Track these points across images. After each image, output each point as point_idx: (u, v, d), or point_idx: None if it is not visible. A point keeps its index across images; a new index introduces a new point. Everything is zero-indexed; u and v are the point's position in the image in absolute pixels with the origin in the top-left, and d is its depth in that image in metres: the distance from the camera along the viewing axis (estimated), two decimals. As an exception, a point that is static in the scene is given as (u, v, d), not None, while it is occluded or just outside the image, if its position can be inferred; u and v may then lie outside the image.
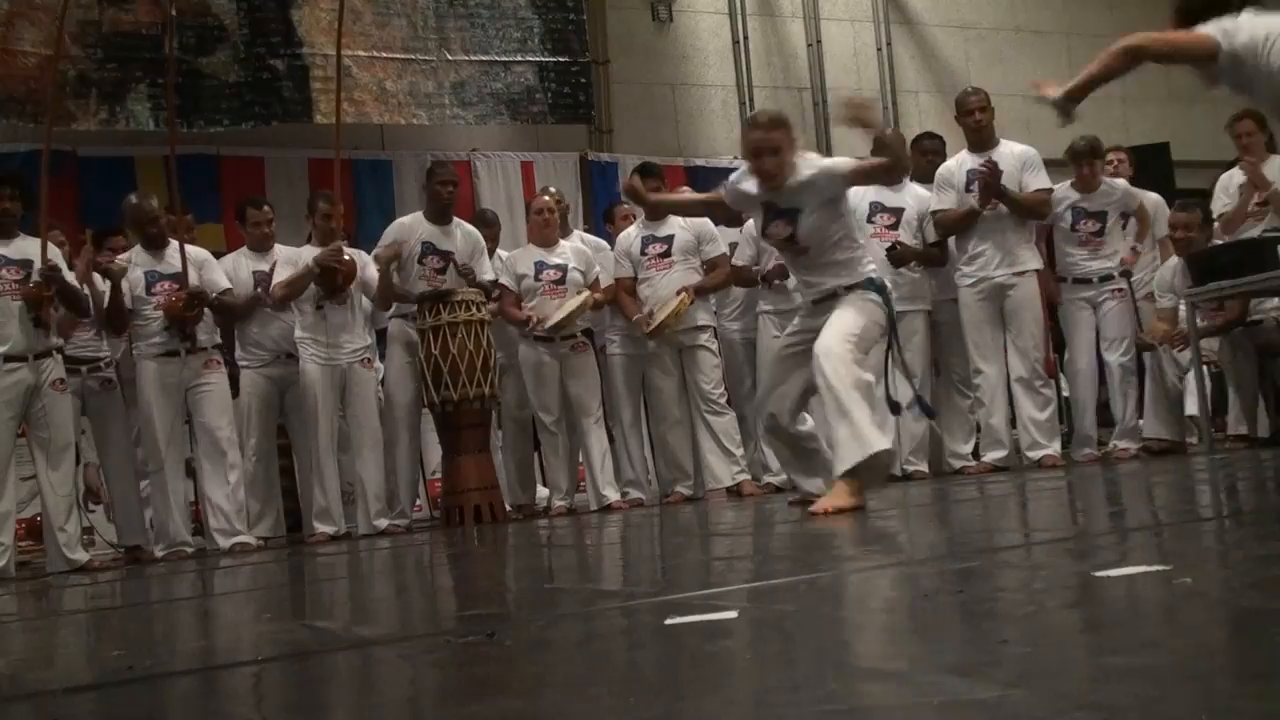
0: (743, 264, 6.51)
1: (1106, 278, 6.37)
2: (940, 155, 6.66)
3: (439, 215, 6.30)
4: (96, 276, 5.89)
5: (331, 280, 5.98)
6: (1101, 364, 6.42)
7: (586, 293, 6.39)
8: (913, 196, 6.38)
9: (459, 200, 6.79)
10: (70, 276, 5.60)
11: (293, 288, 6.05)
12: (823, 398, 3.86)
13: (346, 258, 6.05)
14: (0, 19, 7.43)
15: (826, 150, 10.24)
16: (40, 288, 5.37)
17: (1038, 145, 6.37)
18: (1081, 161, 6.33)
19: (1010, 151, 6.17)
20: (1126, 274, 6.49)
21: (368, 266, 6.25)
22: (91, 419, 5.96)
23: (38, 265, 5.41)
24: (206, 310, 5.96)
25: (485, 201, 8.56)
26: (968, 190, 6.14)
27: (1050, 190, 6.17)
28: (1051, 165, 6.41)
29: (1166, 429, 6.29)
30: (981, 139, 6.23)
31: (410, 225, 6.34)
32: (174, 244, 5.96)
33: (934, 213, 6.24)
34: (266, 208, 6.48)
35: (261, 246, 6.31)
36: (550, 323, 6.27)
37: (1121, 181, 6.61)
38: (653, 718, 1.17)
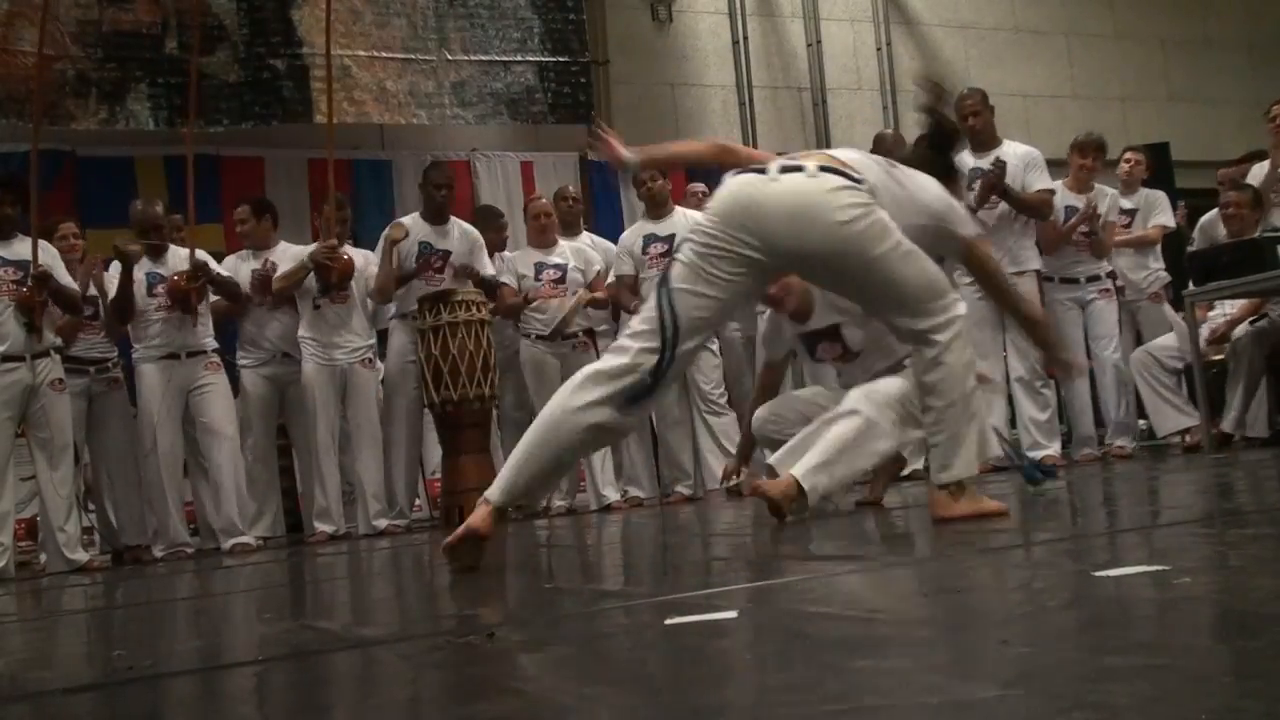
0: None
1: (1093, 278, 6.39)
2: (942, 156, 6.66)
3: (435, 216, 6.31)
4: (106, 275, 5.92)
5: (326, 277, 6.00)
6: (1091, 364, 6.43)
7: (582, 291, 6.41)
8: None
9: (459, 200, 6.80)
10: (66, 278, 5.61)
11: (288, 281, 6.09)
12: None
13: (343, 255, 6.06)
14: (0, 19, 7.43)
15: (826, 147, 10.25)
16: (31, 293, 5.38)
17: (1037, 145, 6.38)
18: (1086, 153, 6.33)
19: (1013, 151, 6.18)
20: (1113, 274, 6.51)
21: (369, 267, 6.26)
22: (98, 419, 5.97)
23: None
24: (204, 315, 5.98)
25: (485, 201, 8.56)
26: (969, 189, 6.14)
27: (1053, 191, 6.18)
28: (1053, 165, 6.42)
29: (1185, 414, 6.25)
30: (981, 140, 6.23)
31: (408, 226, 6.36)
32: (174, 249, 6.01)
33: None
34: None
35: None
36: (554, 323, 6.29)
37: (1114, 191, 6.66)
38: (652, 718, 1.17)
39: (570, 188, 7.34)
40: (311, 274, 6.07)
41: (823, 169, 2.85)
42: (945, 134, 3.41)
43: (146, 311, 5.88)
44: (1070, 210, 6.34)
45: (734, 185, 2.91)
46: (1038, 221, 6.28)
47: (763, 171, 2.89)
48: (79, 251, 6.04)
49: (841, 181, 2.82)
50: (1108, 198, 6.50)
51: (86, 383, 5.93)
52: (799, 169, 2.86)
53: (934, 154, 3.33)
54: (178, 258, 5.95)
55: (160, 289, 5.87)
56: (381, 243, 6.23)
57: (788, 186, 2.83)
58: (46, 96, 6.86)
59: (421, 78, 8.52)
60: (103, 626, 3.00)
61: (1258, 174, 6.53)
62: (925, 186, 3.10)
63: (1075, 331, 6.39)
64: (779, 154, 3.16)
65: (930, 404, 2.97)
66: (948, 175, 3.31)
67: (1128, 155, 7.12)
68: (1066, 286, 6.38)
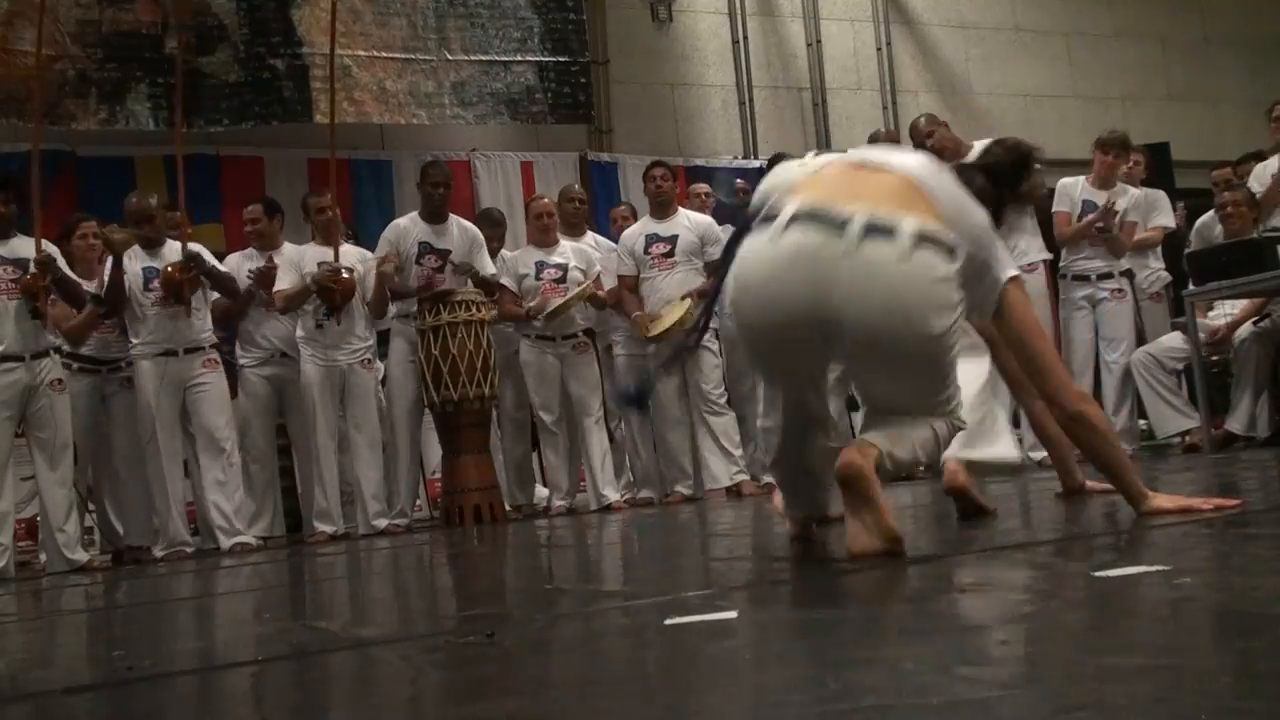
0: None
1: (1106, 275, 6.36)
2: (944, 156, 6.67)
3: (433, 215, 6.32)
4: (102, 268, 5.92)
5: (331, 299, 6.01)
6: (1099, 365, 6.40)
7: (588, 282, 6.41)
8: None
9: (459, 200, 6.81)
10: (66, 269, 5.62)
11: (291, 303, 6.10)
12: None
13: (344, 275, 6.06)
14: (0, 19, 7.43)
15: (828, 151, 10.26)
16: (36, 278, 5.40)
17: (1038, 145, 6.37)
18: (1108, 150, 6.33)
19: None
20: (1128, 274, 6.46)
21: (369, 275, 6.25)
22: (109, 418, 5.99)
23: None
24: (202, 310, 5.98)
25: (485, 201, 8.57)
26: None
27: (1039, 172, 6.15)
28: (1053, 165, 6.41)
29: (1185, 416, 6.24)
30: (948, 157, 6.21)
31: (406, 227, 6.36)
32: (170, 244, 6.00)
33: None
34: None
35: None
36: (549, 309, 6.29)
37: (1143, 191, 6.64)
38: (653, 718, 1.17)
39: (576, 188, 7.36)
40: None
41: (921, 238, 2.22)
42: (1012, 168, 2.83)
43: (143, 306, 5.87)
44: (1089, 205, 6.32)
45: (790, 244, 2.24)
46: (1053, 219, 6.30)
47: (838, 225, 2.21)
48: (99, 250, 6.03)
49: (943, 268, 2.25)
50: (1128, 196, 6.48)
51: (98, 382, 5.95)
52: (887, 232, 2.20)
53: (994, 188, 2.73)
54: (173, 252, 5.94)
55: (156, 283, 5.87)
56: (374, 273, 6.20)
57: (875, 268, 2.20)
58: (47, 96, 6.86)
59: (421, 78, 8.52)
60: (103, 626, 3.00)
61: (1260, 174, 6.52)
62: (974, 207, 2.51)
63: (1085, 333, 6.36)
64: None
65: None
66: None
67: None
68: (1078, 284, 6.37)
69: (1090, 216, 6.25)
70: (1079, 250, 6.36)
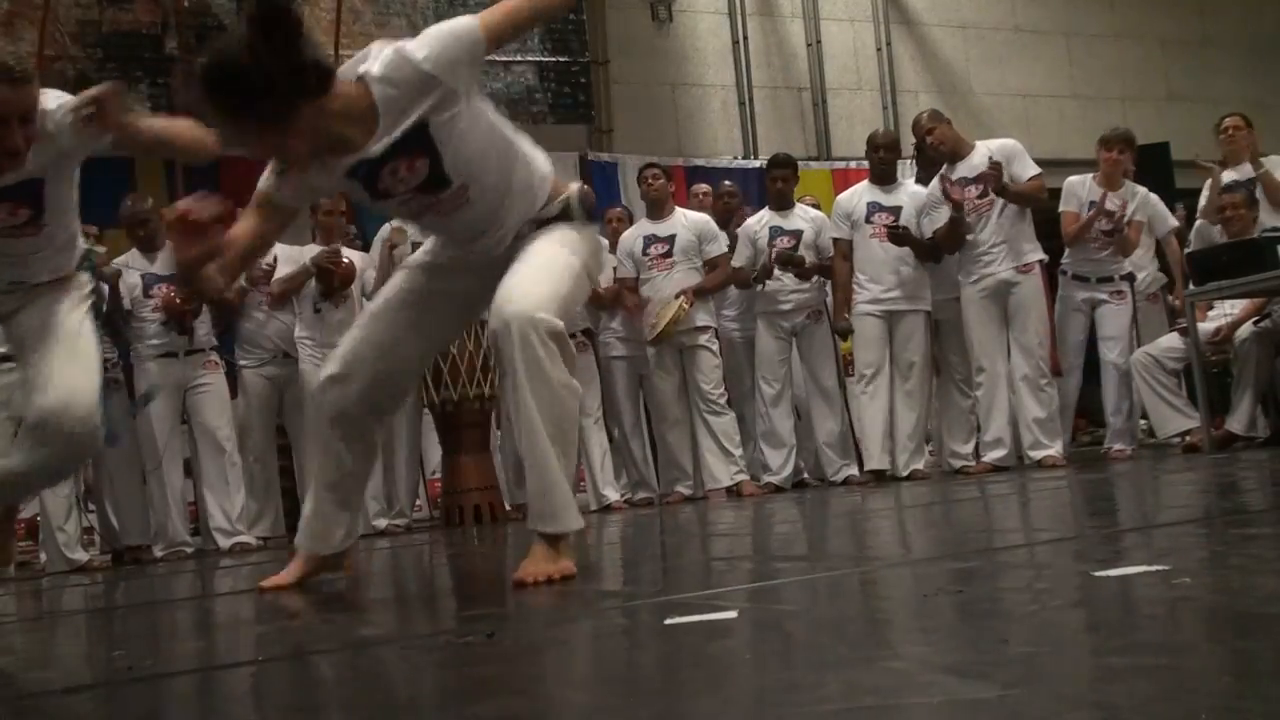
0: (740, 265, 6.52)
1: (1105, 279, 6.34)
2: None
3: None
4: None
5: (328, 281, 6.01)
6: (1097, 365, 6.40)
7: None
8: (908, 195, 6.40)
9: (459, 200, 6.80)
10: None
11: (290, 284, 6.10)
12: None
13: (345, 260, 6.07)
14: (0, 19, 7.43)
15: (828, 151, 10.27)
16: None
17: (1038, 144, 6.38)
18: (1113, 147, 6.32)
19: (987, 149, 6.16)
20: (1129, 277, 6.45)
21: (368, 269, 6.26)
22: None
23: None
24: (205, 308, 5.98)
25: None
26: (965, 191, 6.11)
27: (1041, 173, 6.13)
28: (1053, 165, 6.40)
29: (1186, 416, 6.23)
30: (947, 153, 6.20)
31: (398, 229, 6.37)
32: (169, 245, 6.00)
33: (934, 234, 6.22)
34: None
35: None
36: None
37: (1145, 192, 6.63)
38: (653, 718, 1.17)
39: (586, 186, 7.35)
40: (312, 278, 6.08)
41: None
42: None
43: (144, 313, 5.87)
44: (1094, 206, 6.30)
45: None
46: (1060, 218, 6.30)
47: None
48: None
49: None
50: (1137, 195, 6.47)
51: None
52: None
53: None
54: (172, 256, 5.94)
55: (156, 291, 5.87)
56: (378, 245, 6.22)
57: None
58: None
59: (421, 78, 8.53)
60: (103, 626, 3.00)
61: (1231, 174, 6.50)
62: None
63: (1079, 334, 6.34)
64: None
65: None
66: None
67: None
68: (1077, 284, 6.36)
69: (1089, 214, 6.24)
70: (1082, 251, 6.34)
